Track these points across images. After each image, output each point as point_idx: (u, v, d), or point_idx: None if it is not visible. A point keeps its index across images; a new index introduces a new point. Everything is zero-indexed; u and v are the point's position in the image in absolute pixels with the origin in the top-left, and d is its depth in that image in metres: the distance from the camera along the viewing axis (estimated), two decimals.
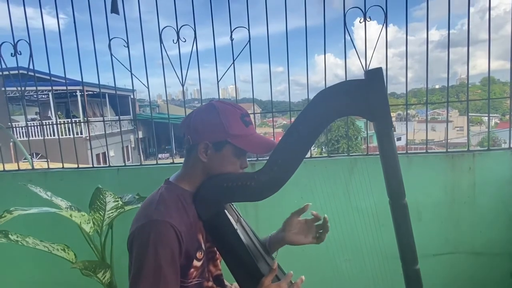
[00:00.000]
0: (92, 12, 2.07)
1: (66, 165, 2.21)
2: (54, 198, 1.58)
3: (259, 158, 2.07)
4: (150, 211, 0.91)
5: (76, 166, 2.18)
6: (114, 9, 1.68)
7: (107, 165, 2.17)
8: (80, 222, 1.46)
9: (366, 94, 0.87)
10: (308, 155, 2.06)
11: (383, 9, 1.88)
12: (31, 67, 2.09)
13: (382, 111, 0.87)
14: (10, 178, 2.13)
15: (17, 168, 2.19)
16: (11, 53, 2.09)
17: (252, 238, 1.05)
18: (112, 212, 1.44)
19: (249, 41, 1.95)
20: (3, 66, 2.13)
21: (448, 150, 1.93)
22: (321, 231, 1.09)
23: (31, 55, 2.10)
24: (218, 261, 1.09)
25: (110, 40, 1.99)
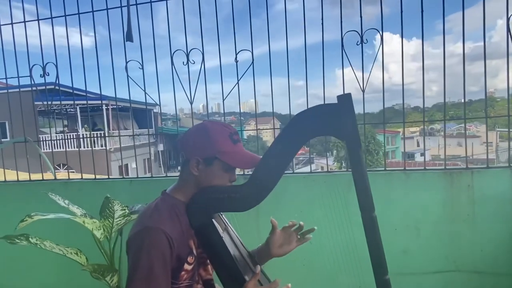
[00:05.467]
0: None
1: (86, 176, 2.39)
2: (71, 206, 1.74)
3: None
4: (145, 219, 1.03)
5: (93, 177, 2.36)
6: (129, 38, 1.86)
7: (122, 176, 2.33)
8: (92, 229, 1.60)
9: (337, 117, 0.97)
10: (308, 170, 2.14)
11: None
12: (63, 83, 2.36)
13: (351, 131, 0.96)
14: (34, 187, 2.33)
15: (41, 178, 2.39)
16: (40, 74, 2.33)
17: (238, 246, 1.15)
18: (120, 220, 1.58)
19: (252, 62, 2.09)
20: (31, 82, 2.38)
21: (446, 167, 1.96)
22: (300, 232, 1.21)
23: (57, 76, 2.34)
24: (209, 266, 1.19)
25: (126, 62, 2.19)
